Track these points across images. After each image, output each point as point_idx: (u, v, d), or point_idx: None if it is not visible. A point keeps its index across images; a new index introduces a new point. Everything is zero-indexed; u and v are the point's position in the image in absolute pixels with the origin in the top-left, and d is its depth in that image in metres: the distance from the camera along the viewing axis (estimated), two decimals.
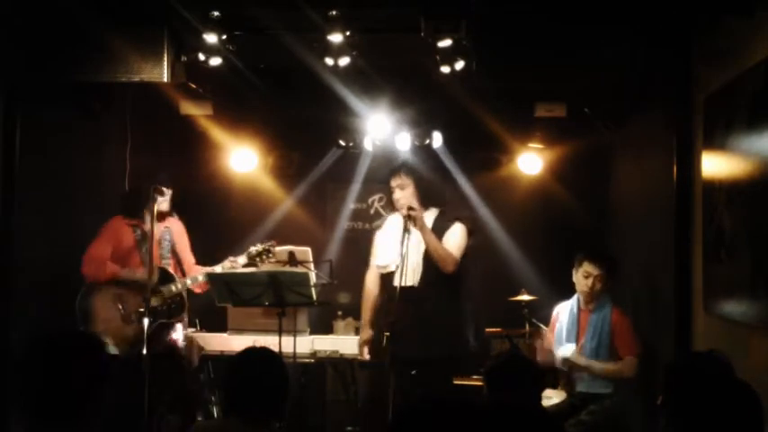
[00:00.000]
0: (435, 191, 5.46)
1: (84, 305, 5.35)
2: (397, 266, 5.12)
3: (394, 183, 5.34)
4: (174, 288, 5.45)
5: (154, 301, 5.30)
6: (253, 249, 5.56)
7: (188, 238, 5.81)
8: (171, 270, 5.55)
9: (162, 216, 5.54)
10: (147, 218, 5.40)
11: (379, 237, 5.50)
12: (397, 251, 5.10)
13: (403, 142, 6.69)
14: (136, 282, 5.31)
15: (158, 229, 5.49)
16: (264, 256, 5.54)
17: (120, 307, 5.36)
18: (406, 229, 5.08)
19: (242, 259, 5.55)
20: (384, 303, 5.33)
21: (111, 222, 5.51)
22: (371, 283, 5.45)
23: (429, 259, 5.18)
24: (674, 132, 4.94)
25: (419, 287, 5.17)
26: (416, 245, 5.17)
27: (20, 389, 2.40)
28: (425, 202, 5.31)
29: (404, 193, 5.29)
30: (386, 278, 5.34)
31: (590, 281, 5.30)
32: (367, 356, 5.41)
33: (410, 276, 5.15)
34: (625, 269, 6.18)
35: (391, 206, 5.44)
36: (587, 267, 5.31)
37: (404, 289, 5.03)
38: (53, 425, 2.34)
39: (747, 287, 3.87)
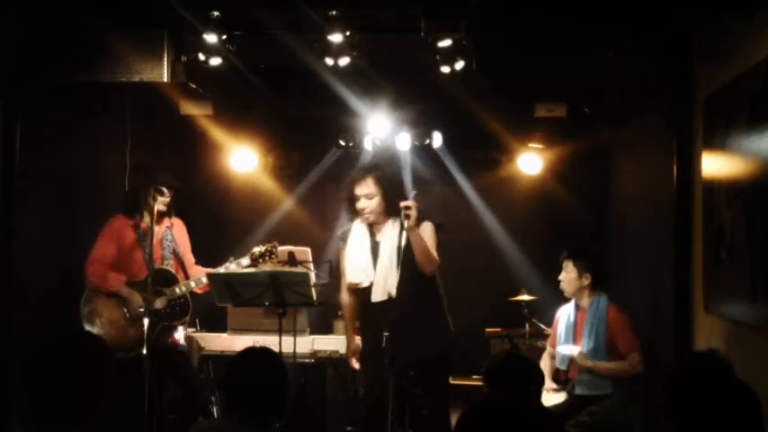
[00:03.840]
0: (401, 197, 4.95)
1: (89, 307, 5.33)
2: (372, 282, 4.97)
3: (359, 191, 4.99)
4: (177, 290, 5.40)
5: (157, 304, 5.30)
6: (256, 250, 5.51)
7: (188, 239, 5.78)
8: (173, 271, 5.51)
9: (161, 217, 5.50)
10: (148, 217, 5.39)
11: (347, 252, 5.15)
12: (370, 265, 4.99)
13: (403, 142, 6.70)
14: (135, 300, 5.28)
15: (159, 229, 5.48)
16: (267, 257, 5.51)
17: (125, 309, 5.33)
18: (374, 240, 5.01)
19: (245, 260, 5.52)
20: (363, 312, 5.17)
21: (112, 222, 5.47)
22: (346, 298, 5.25)
23: (405, 264, 4.86)
24: (674, 132, 4.94)
25: (397, 296, 4.84)
26: (388, 253, 4.98)
27: (24, 390, 2.40)
28: (391, 212, 5.00)
29: (370, 203, 4.98)
30: (362, 291, 5.09)
31: (561, 275, 5.48)
32: (356, 365, 5.24)
33: (383, 290, 4.96)
34: (625, 269, 6.19)
35: (353, 214, 5.11)
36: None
37: (378, 304, 4.94)
38: (57, 425, 2.34)
39: (747, 287, 3.87)
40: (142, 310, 5.09)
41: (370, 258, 5.03)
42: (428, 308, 5.04)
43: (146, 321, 4.99)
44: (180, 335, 5.62)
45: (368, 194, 4.99)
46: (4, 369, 4.82)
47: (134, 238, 5.42)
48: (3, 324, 4.85)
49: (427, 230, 4.98)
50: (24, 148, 4.93)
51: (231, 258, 5.56)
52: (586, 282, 5.40)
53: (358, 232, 5.12)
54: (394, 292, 4.87)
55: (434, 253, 4.98)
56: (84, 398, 2.36)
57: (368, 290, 5.04)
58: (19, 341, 4.86)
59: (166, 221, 5.57)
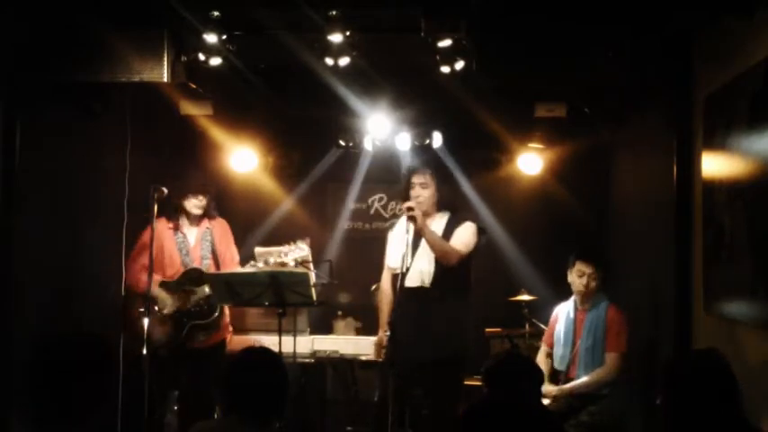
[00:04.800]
0: (450, 195, 5.47)
1: (126, 307, 5.46)
2: (407, 267, 5.10)
3: (417, 179, 5.34)
4: (207, 289, 5.46)
5: (185, 303, 5.45)
6: (299, 255, 5.52)
7: (230, 239, 5.85)
8: (210, 271, 5.58)
9: (199, 219, 5.66)
10: (185, 220, 5.65)
11: (390, 237, 5.49)
12: (409, 252, 5.10)
13: (403, 142, 6.70)
14: (162, 299, 5.45)
15: (199, 230, 5.67)
16: (306, 262, 5.56)
17: (157, 309, 5.43)
18: (415, 230, 5.10)
19: (292, 262, 5.52)
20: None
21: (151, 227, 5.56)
22: (386, 283, 5.45)
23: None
24: (674, 132, 4.94)
25: (429, 287, 5.15)
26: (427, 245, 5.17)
27: (24, 390, 2.40)
28: (441, 206, 5.35)
29: (424, 192, 5.30)
30: (398, 278, 5.25)
31: (584, 279, 5.36)
32: (380, 357, 5.37)
33: (418, 277, 5.13)
34: (625, 269, 6.18)
35: (407, 200, 5.32)
36: (580, 266, 5.38)
37: (411, 289, 5.03)
38: (57, 425, 2.34)
39: (747, 287, 3.87)
40: (166, 311, 5.35)
41: (410, 246, 5.16)
42: (454, 301, 5.21)
43: (145, 321, 5.04)
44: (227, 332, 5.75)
45: (423, 183, 5.31)
46: (4, 369, 4.82)
47: (174, 241, 5.58)
48: (3, 324, 4.85)
49: (469, 230, 5.27)
50: (24, 148, 4.92)
51: (255, 261, 5.58)
52: (601, 286, 5.38)
53: (405, 221, 5.28)
54: (428, 282, 5.14)
55: (457, 246, 5.18)
56: (85, 398, 2.36)
57: (403, 276, 5.14)
58: (19, 341, 4.86)
59: (206, 222, 5.71)
